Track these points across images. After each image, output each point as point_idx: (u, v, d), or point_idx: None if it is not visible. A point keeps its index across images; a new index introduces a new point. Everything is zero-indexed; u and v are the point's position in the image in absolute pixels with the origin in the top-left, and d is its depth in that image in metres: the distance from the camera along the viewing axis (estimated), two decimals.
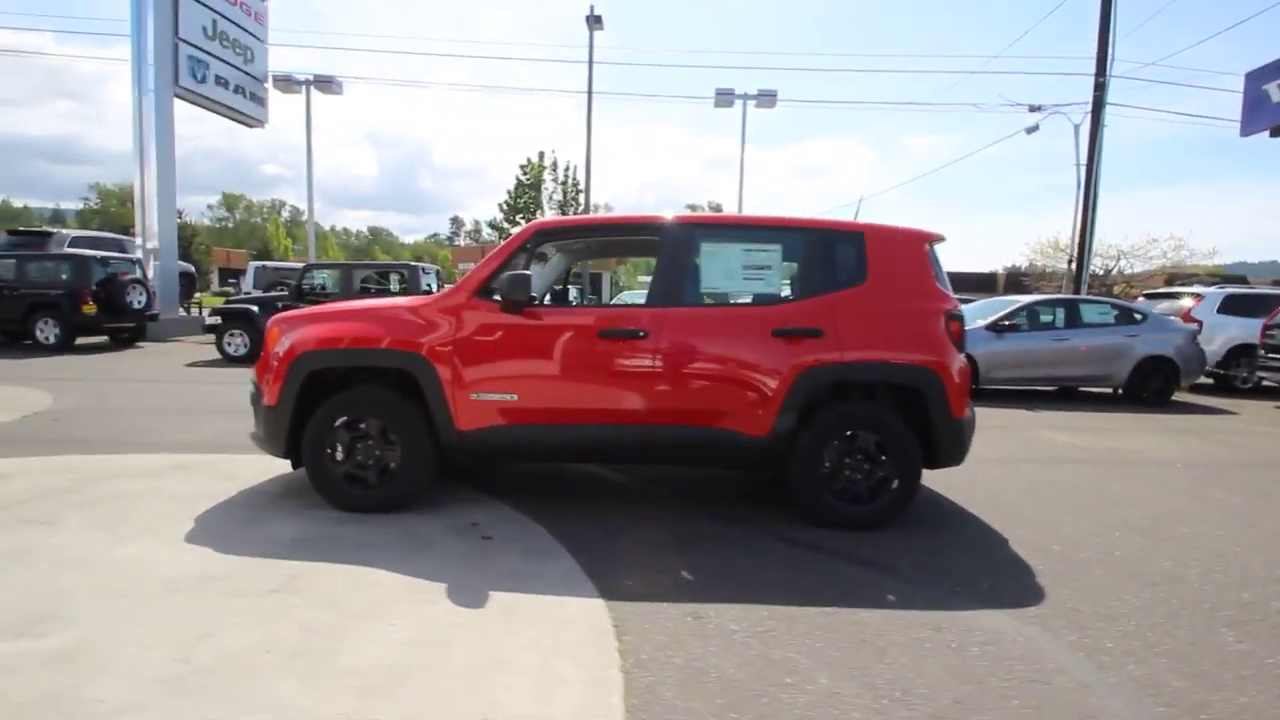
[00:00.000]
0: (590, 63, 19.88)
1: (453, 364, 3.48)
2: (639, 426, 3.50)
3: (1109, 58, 19.23)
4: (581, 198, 33.40)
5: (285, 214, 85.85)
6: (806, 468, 3.51)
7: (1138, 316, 9.36)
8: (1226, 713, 2.02)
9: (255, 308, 11.75)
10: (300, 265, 16.20)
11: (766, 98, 18.78)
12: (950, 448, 3.55)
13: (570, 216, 3.71)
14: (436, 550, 3.11)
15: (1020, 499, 4.30)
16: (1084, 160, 19.50)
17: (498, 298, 3.60)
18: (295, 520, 3.43)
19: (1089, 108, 19.35)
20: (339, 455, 3.59)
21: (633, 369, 3.47)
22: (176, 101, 16.09)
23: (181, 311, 17.12)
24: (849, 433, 3.53)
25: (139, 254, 15.17)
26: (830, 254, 3.61)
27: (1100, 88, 19.35)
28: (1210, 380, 10.90)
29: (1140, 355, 8.97)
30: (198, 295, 22.75)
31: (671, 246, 3.60)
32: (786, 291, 3.59)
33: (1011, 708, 2.02)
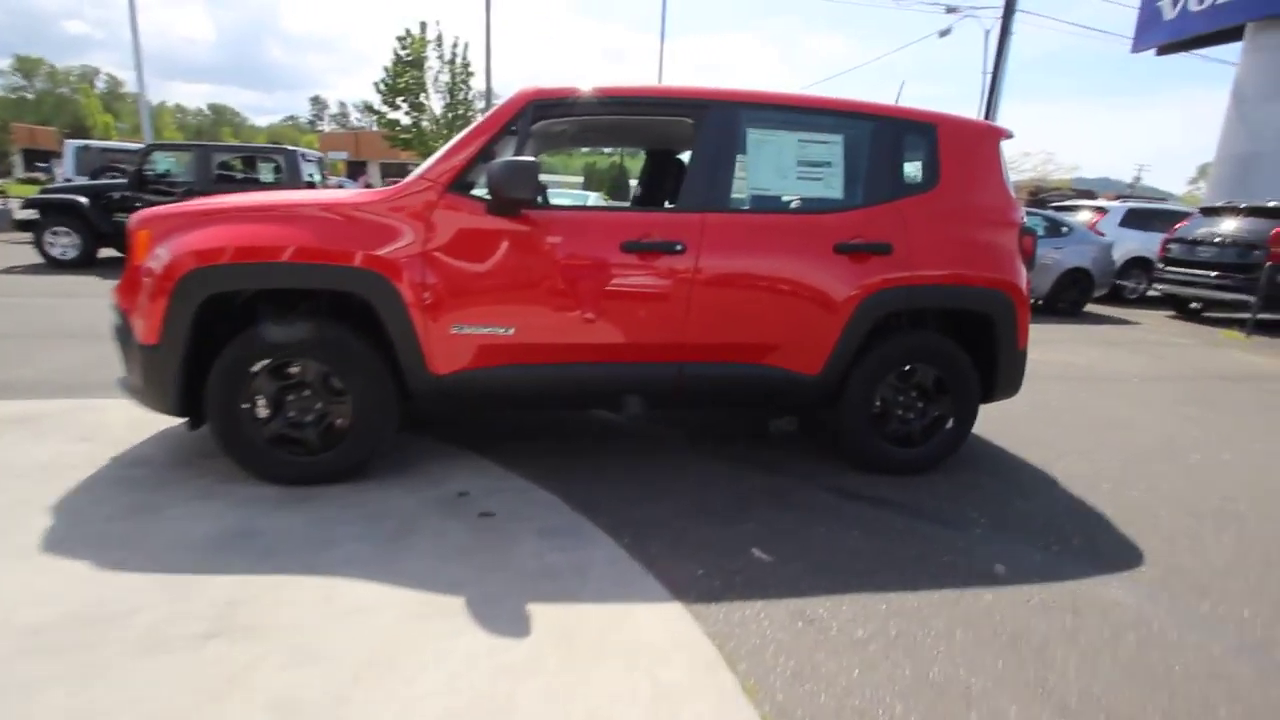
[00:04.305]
0: None
1: (422, 285, 2.55)
2: (670, 365, 2.80)
3: None
4: (472, 81, 29.98)
5: (100, 84, 71.52)
6: (859, 408, 3.00)
7: (1064, 229, 9.60)
8: None
9: (83, 198, 9.42)
10: (137, 146, 13.24)
11: None
12: (1010, 381, 3.16)
13: (572, 86, 2.76)
14: (425, 539, 2.33)
15: (1031, 423, 4.09)
16: (990, 68, 19.77)
17: (479, 193, 2.66)
18: (208, 504, 2.49)
19: (1000, 13, 19.41)
20: (261, 411, 2.62)
21: (666, 292, 2.72)
22: None
23: None
24: (906, 367, 3.03)
25: None
26: (899, 150, 2.94)
27: None
28: (1103, 290, 11.66)
29: (1065, 267, 9.25)
30: None
31: (714, 132, 2.77)
32: (839, 193, 2.90)
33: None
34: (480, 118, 2.76)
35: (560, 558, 2.25)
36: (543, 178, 2.68)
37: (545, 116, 2.77)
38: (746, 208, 2.88)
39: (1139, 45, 17.91)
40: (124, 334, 2.64)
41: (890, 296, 2.86)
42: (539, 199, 2.78)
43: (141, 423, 3.25)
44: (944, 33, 21.23)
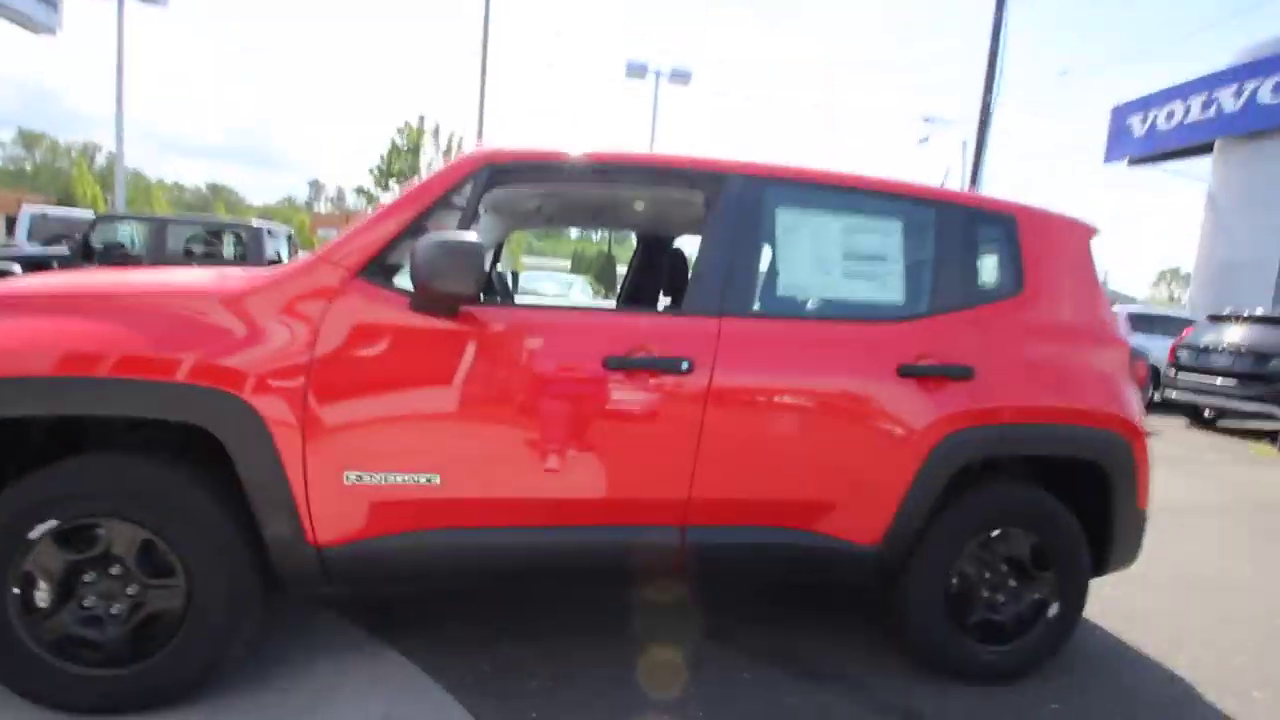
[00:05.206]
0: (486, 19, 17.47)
1: (304, 414, 1.71)
2: (669, 529, 1.94)
3: (996, 78, 20.12)
4: None
5: (101, 159, 72.26)
6: (931, 589, 2.14)
7: None
8: None
9: (17, 266, 8.62)
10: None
11: (680, 76, 17.50)
12: (1128, 549, 2.35)
13: (544, 149, 2.21)
14: None
15: (1113, 582, 3.24)
16: (969, 178, 20.35)
17: (397, 283, 1.89)
18: None
19: (976, 126, 20.18)
20: (41, 600, 1.69)
21: (665, 427, 1.90)
22: None
23: None
24: (994, 532, 2.21)
25: None
26: (972, 245, 2.24)
27: (986, 108, 20.20)
28: None
29: None
30: None
31: (732, 212, 2.04)
32: (898, 296, 2.18)
33: None
34: (415, 181, 2.02)
35: None
36: (524, 259, 1.92)
37: (503, 184, 2.04)
38: (776, 312, 2.13)
39: (1111, 157, 18.54)
40: None
41: (975, 436, 2.07)
42: (488, 294, 2.01)
43: None
44: (922, 141, 21.99)
